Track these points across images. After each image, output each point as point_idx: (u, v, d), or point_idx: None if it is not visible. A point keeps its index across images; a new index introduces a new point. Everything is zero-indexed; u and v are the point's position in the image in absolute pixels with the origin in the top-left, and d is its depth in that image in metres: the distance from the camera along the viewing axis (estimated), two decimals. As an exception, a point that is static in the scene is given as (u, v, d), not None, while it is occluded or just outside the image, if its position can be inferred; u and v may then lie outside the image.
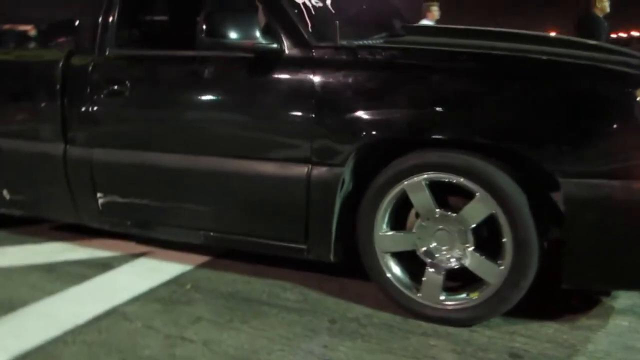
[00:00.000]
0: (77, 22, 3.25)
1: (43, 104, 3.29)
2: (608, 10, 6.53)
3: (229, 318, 2.61)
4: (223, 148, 2.81)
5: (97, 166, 3.14)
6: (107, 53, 3.12)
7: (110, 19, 3.12)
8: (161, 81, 3.01)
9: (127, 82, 3.00)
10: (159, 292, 2.88)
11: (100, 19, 3.13)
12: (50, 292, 2.89)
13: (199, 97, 2.87)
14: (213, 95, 2.84)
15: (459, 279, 2.59)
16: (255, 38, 2.65)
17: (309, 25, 2.72)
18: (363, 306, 2.71)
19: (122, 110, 3.05)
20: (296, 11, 2.74)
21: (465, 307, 2.49)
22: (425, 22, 8.14)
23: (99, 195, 3.18)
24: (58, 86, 3.20)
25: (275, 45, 2.65)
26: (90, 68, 3.12)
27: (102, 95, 3.06)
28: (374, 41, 2.87)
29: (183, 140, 2.90)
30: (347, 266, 2.81)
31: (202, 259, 3.29)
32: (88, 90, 3.10)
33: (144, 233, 3.23)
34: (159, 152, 2.98)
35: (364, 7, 3.30)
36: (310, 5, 2.83)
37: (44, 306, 2.76)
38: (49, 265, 3.26)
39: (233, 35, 2.62)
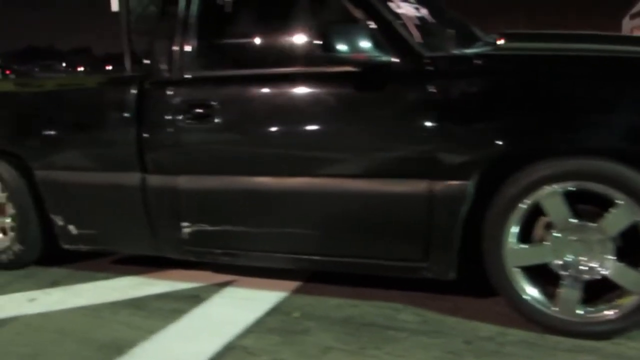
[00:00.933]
0: (149, 46, 3.13)
1: (115, 132, 3.13)
2: None
3: (359, 345, 2.48)
4: (332, 168, 2.69)
5: (183, 194, 2.99)
6: (186, 75, 2.98)
7: (189, 40, 2.98)
8: (254, 101, 2.86)
9: (213, 104, 2.87)
10: (268, 322, 2.73)
11: (177, 41, 2.99)
12: (151, 330, 2.72)
13: (301, 116, 2.72)
14: (317, 112, 2.69)
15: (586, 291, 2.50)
16: (364, 51, 2.54)
17: (416, 35, 2.63)
18: (489, 324, 2.60)
19: (210, 134, 2.91)
20: (400, 22, 2.65)
21: (606, 320, 2.40)
22: None
23: (184, 224, 3.03)
24: (132, 113, 3.05)
25: (387, 58, 2.55)
26: (168, 92, 2.98)
27: (185, 120, 2.92)
28: (480, 49, 2.78)
29: (285, 163, 2.76)
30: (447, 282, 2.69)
31: (292, 284, 3.14)
32: (168, 115, 2.95)
33: (233, 261, 3.08)
34: (256, 176, 2.84)
35: (449, 16, 3.22)
36: (411, 16, 2.75)
37: (154, 346, 2.59)
38: (133, 301, 3.08)
39: (344, 48, 2.51)
